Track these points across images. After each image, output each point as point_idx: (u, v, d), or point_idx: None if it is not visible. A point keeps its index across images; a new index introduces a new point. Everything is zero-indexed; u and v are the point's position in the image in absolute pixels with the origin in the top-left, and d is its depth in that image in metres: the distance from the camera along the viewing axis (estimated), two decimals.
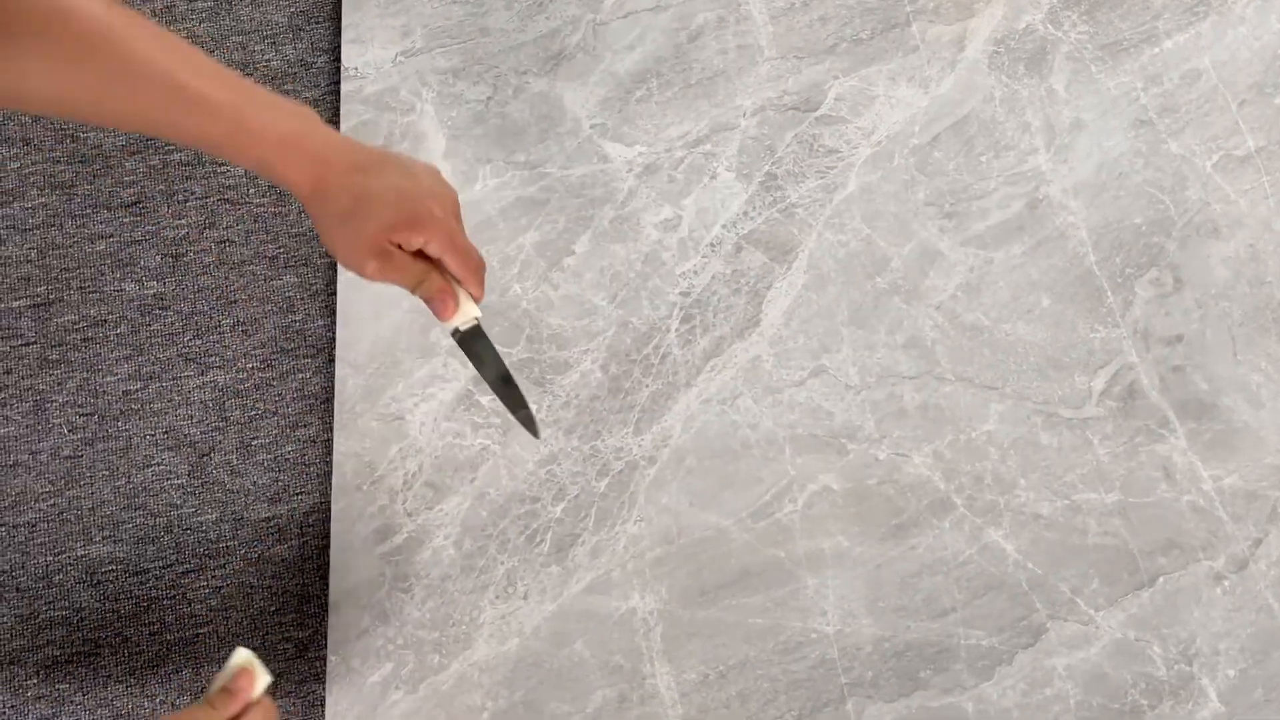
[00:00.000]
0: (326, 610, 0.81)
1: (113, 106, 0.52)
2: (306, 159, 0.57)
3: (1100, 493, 0.80)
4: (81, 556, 0.84)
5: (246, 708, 0.71)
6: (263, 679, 0.73)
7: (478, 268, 0.64)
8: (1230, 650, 0.77)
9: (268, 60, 0.95)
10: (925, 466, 0.81)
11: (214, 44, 0.95)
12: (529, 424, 0.70)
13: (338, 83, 0.93)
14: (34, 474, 0.85)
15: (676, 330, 0.85)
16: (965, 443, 0.82)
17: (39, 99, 0.51)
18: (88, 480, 0.85)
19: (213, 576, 0.84)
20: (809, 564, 0.80)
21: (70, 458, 0.86)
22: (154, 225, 0.91)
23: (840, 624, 0.78)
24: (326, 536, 0.83)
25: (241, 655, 0.74)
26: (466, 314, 0.65)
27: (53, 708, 0.81)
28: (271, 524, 0.84)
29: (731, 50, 0.92)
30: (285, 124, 0.56)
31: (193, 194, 0.91)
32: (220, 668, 0.80)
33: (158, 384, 0.87)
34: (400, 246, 0.62)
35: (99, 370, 0.88)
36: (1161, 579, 0.79)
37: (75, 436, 0.86)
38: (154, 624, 0.82)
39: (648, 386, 0.84)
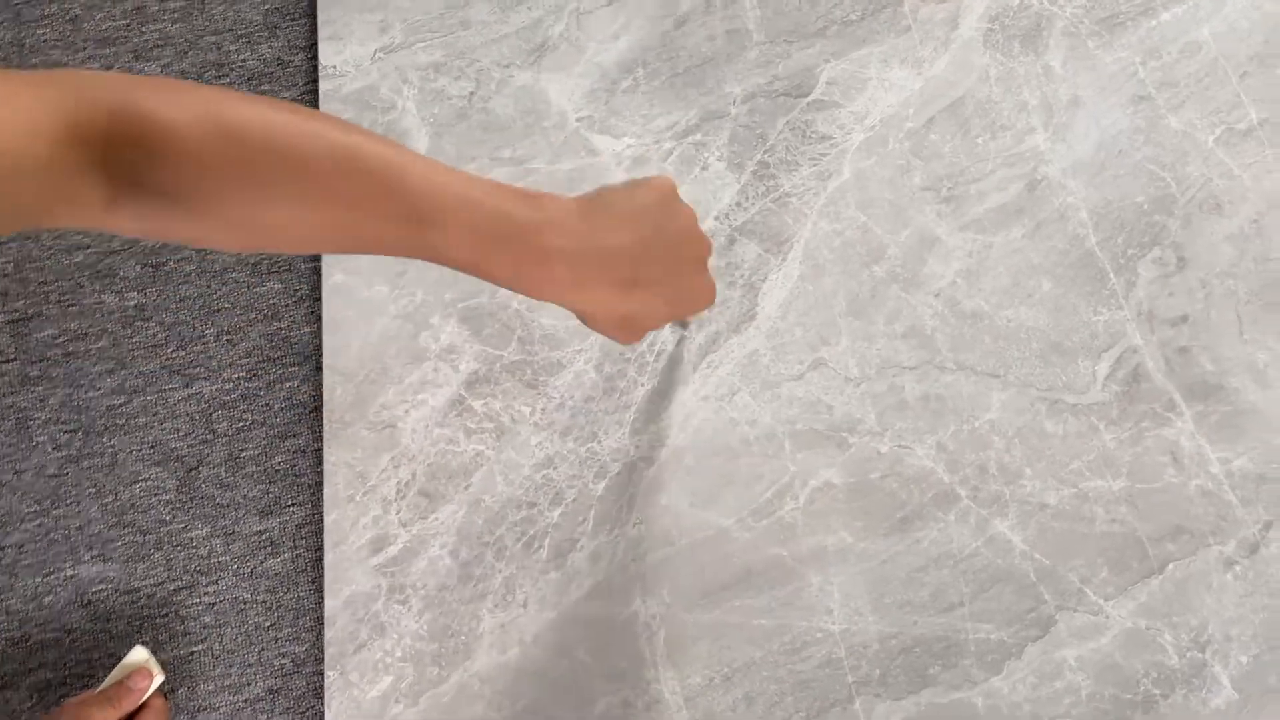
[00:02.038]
0: (322, 625, 0.80)
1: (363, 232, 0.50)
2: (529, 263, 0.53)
3: (1107, 480, 0.80)
4: (70, 577, 0.83)
5: (141, 706, 0.73)
6: (158, 678, 0.75)
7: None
8: (1243, 636, 0.77)
9: (243, 60, 0.93)
10: (928, 458, 0.81)
11: (188, 45, 0.94)
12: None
13: (315, 81, 0.92)
14: (19, 494, 0.84)
15: (671, 326, 0.84)
16: (968, 433, 0.81)
17: (290, 237, 0.50)
18: (74, 499, 0.85)
19: (205, 593, 0.83)
20: (812, 562, 0.79)
21: (55, 476, 0.85)
22: None
23: (846, 622, 0.78)
24: (320, 549, 0.82)
25: (140, 653, 0.75)
26: None
27: None
28: (264, 537, 0.84)
29: (719, 36, 0.91)
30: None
31: None
32: (214, 686, 0.80)
33: (142, 398, 0.86)
34: None
35: (81, 385, 0.87)
36: (1171, 566, 0.78)
37: (60, 454, 0.85)
38: (147, 643, 0.82)
39: (643, 385, 0.83)
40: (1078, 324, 0.83)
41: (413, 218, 0.49)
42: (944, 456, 0.81)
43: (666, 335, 0.84)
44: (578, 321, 0.84)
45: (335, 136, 0.48)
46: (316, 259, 0.88)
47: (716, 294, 0.65)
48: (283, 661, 0.82)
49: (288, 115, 0.47)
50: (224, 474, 0.85)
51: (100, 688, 0.76)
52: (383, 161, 0.48)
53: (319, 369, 0.86)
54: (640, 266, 0.55)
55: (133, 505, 0.85)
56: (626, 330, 0.58)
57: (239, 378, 0.87)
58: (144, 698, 0.74)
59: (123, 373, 0.87)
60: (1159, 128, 0.87)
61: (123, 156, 0.44)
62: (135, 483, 0.85)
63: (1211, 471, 0.80)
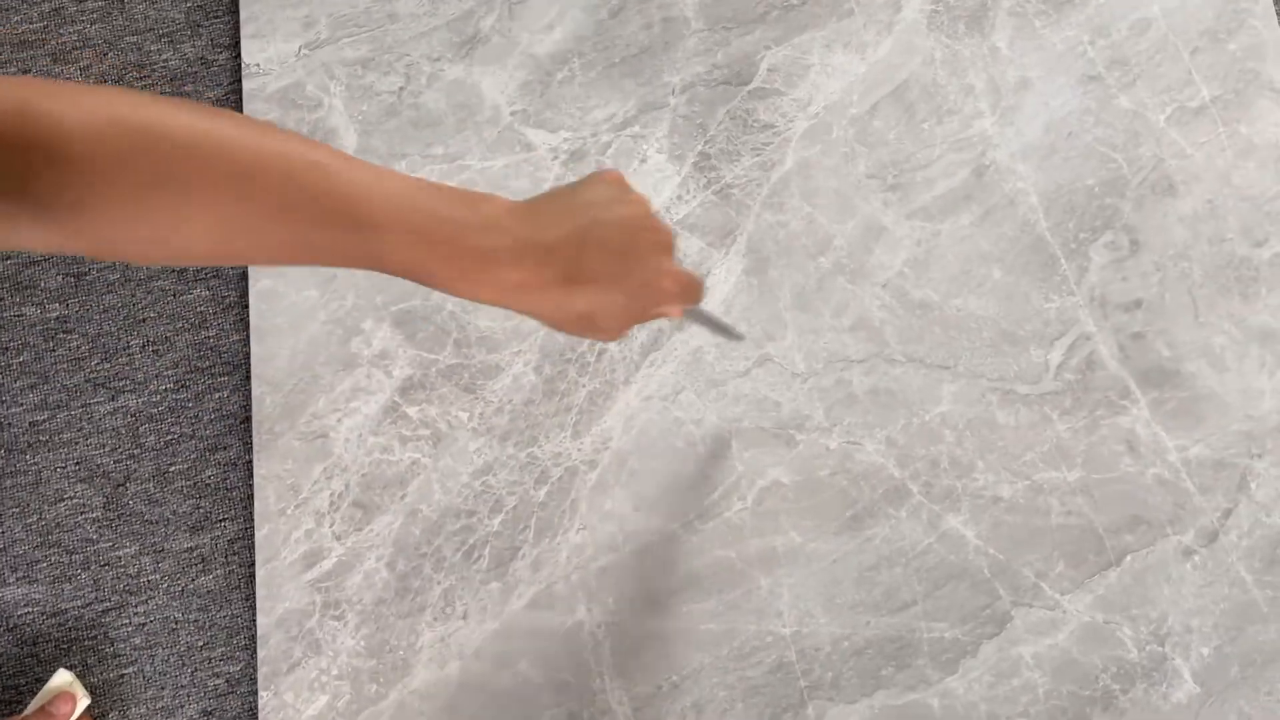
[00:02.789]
0: (256, 643, 0.78)
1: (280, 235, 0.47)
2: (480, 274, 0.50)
3: (1062, 471, 0.78)
4: None
5: None
6: (82, 701, 0.73)
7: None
8: (1203, 627, 0.76)
9: (165, 60, 0.91)
10: (878, 454, 0.79)
11: (108, 46, 0.92)
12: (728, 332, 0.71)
13: (239, 80, 0.90)
14: None
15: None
16: (919, 426, 0.80)
17: (199, 250, 0.47)
18: None
19: (135, 613, 0.81)
20: (761, 563, 0.78)
21: None
22: None
23: (797, 624, 0.77)
24: (253, 564, 0.80)
25: (62, 676, 0.74)
26: None
27: None
28: (194, 554, 0.82)
29: (656, 24, 0.89)
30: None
31: None
32: (146, 709, 0.78)
33: (66, 412, 0.84)
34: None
35: (2, 401, 0.84)
36: (1129, 557, 0.77)
37: None
38: (76, 666, 0.80)
39: (584, 386, 0.81)
40: (1029, 312, 0.82)
41: (345, 223, 0.46)
42: (894, 451, 0.79)
43: None
44: (515, 322, 0.82)
45: (254, 138, 0.45)
46: (243, 265, 0.86)
47: (701, 286, 0.62)
48: (217, 682, 0.80)
49: (202, 119, 0.44)
50: (152, 489, 0.83)
51: (23, 715, 0.74)
52: (308, 162, 0.46)
53: (249, 378, 0.84)
54: (583, 260, 0.53)
55: (58, 524, 0.83)
56: (592, 328, 0.55)
57: (166, 389, 0.85)
58: None
59: (45, 387, 0.85)
60: (1109, 108, 0.86)
61: (15, 163, 0.41)
62: (60, 501, 0.83)
63: (1168, 459, 0.79)
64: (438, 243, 0.48)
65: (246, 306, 0.85)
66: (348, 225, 0.47)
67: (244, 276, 0.86)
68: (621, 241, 0.55)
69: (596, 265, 0.53)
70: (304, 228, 0.46)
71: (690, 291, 0.60)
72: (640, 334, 0.83)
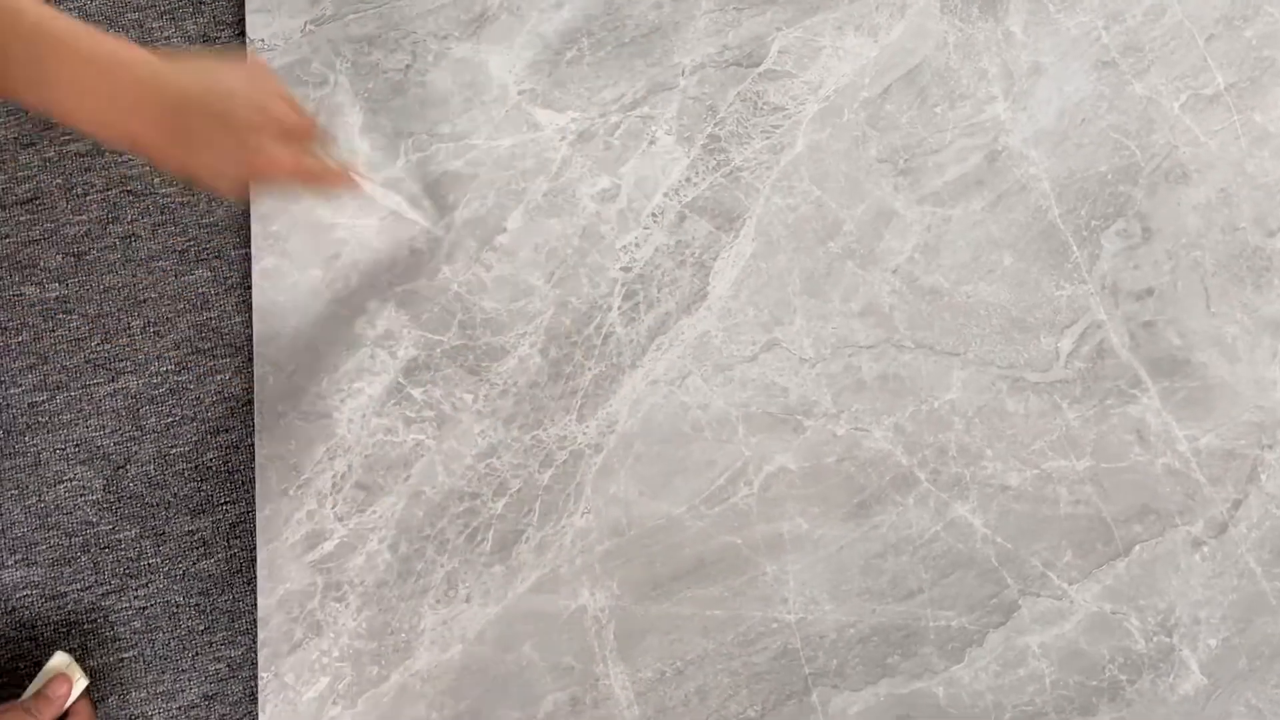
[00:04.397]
0: (257, 625, 0.80)
1: None
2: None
3: (1071, 460, 0.80)
4: None
5: (64, 713, 0.72)
6: (80, 683, 0.74)
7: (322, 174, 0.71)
8: (1211, 619, 0.77)
9: (168, 37, 0.92)
10: (886, 440, 0.81)
11: (108, 23, 0.93)
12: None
13: (244, 57, 0.91)
14: None
15: (619, 308, 0.84)
16: (927, 413, 0.81)
17: None
18: None
19: (135, 597, 0.82)
20: (767, 549, 0.79)
21: None
22: (52, 223, 0.88)
23: (802, 611, 0.78)
24: (255, 548, 0.82)
25: (59, 659, 0.75)
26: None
27: None
28: (196, 537, 0.83)
29: (667, 4, 0.90)
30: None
31: (93, 187, 0.89)
32: (146, 693, 0.79)
33: (65, 394, 0.85)
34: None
35: (1, 382, 0.86)
36: (1137, 547, 0.79)
37: None
38: (75, 650, 0.81)
39: (590, 370, 0.83)
40: (1040, 299, 0.83)
41: None
42: (902, 438, 0.81)
43: (614, 318, 0.84)
44: (521, 304, 0.84)
45: None
46: (246, 245, 0.87)
47: (310, 126, 0.68)
48: (218, 666, 0.81)
49: None
50: (153, 472, 0.84)
51: (22, 697, 0.75)
52: None
53: (251, 361, 0.85)
54: (189, 123, 0.59)
55: (57, 506, 0.84)
56: (196, 178, 0.62)
57: (167, 371, 0.86)
58: (66, 705, 0.74)
59: (44, 368, 0.86)
60: (1123, 94, 0.87)
61: None
62: (60, 483, 0.84)
63: (1178, 449, 0.80)
64: (64, 62, 0.53)
65: (249, 288, 0.86)
66: None
67: (247, 257, 0.87)
68: (224, 106, 0.61)
69: (198, 130, 0.60)
70: None
71: (296, 131, 0.66)
72: (646, 318, 0.84)
